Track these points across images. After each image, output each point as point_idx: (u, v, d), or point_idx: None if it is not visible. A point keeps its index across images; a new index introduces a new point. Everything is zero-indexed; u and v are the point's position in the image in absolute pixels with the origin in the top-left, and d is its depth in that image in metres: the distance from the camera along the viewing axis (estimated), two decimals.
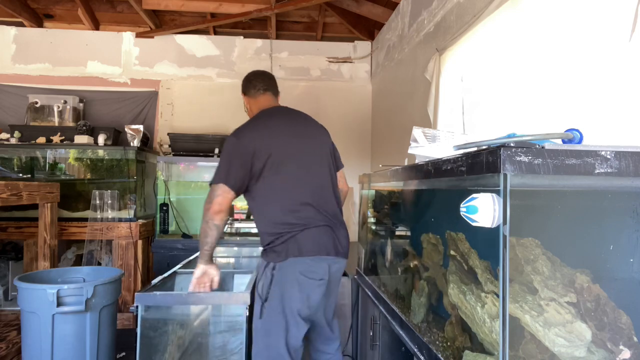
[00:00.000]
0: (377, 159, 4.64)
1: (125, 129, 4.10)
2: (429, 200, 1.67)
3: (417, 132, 1.64)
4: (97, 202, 3.75)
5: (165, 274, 2.31)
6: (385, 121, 4.36)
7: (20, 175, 3.80)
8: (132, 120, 4.68)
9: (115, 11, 4.71)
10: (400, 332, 1.62)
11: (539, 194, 1.12)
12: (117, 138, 4.18)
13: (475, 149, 1.05)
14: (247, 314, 1.97)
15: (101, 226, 3.70)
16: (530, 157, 0.91)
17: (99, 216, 3.73)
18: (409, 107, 3.54)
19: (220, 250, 3.45)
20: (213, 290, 2.02)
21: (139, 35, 4.73)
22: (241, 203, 4.40)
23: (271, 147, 1.95)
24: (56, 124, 4.21)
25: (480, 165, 0.99)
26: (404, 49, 3.69)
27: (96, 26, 4.75)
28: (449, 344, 1.31)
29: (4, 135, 3.95)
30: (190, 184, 4.40)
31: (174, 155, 4.16)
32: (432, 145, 1.62)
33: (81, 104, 4.51)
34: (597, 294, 1.01)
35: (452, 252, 1.29)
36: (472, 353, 1.13)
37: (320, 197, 2.01)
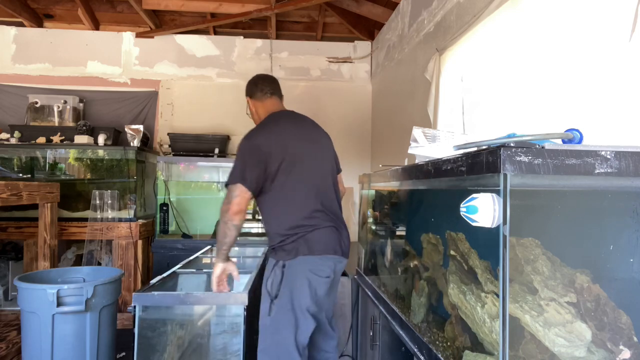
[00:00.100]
0: (377, 159, 4.64)
1: (125, 129, 4.10)
2: (429, 201, 1.67)
3: (417, 132, 1.64)
4: (97, 202, 3.75)
5: (164, 274, 2.31)
6: (385, 121, 4.36)
7: (20, 175, 3.80)
8: (132, 120, 4.68)
9: (115, 11, 4.71)
10: (400, 332, 1.62)
11: (539, 194, 1.12)
12: (117, 138, 4.18)
13: (475, 149, 1.05)
14: (245, 314, 1.97)
15: (101, 226, 3.70)
16: (530, 157, 0.91)
17: (99, 216, 3.73)
18: (409, 107, 3.54)
19: None
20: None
21: (139, 35, 4.73)
22: None
23: (284, 150, 2.01)
24: (56, 124, 4.21)
25: (480, 165, 0.99)
26: (404, 49, 3.69)
27: (96, 26, 4.75)
28: (449, 344, 1.31)
29: (4, 135, 3.95)
30: (190, 184, 4.40)
31: (174, 155, 4.17)
32: (432, 145, 1.62)
33: (81, 104, 4.51)
34: (597, 294, 1.01)
35: (452, 252, 1.29)
36: (472, 353, 1.13)
37: (327, 199, 2.10)
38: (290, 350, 1.88)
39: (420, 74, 3.16)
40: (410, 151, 1.63)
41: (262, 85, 2.25)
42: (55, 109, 4.23)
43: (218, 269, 2.00)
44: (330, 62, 4.95)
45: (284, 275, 1.93)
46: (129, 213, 3.86)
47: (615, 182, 0.99)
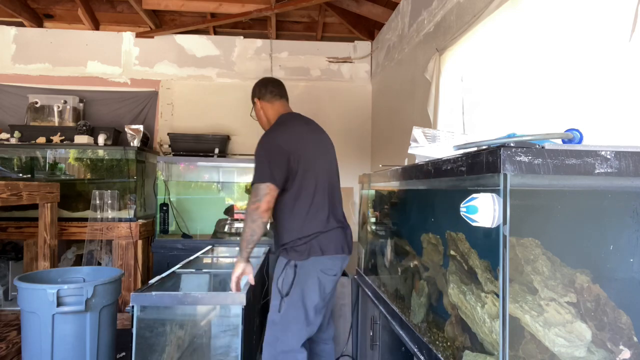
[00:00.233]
0: (377, 159, 4.64)
1: (125, 129, 4.10)
2: (429, 201, 1.67)
3: (417, 132, 1.64)
4: (97, 202, 3.75)
5: (164, 274, 2.31)
6: (385, 121, 4.36)
7: (20, 175, 3.80)
8: (132, 120, 4.67)
9: (115, 11, 4.71)
10: (400, 332, 1.62)
11: (539, 194, 1.12)
12: (117, 138, 4.18)
13: (475, 149, 1.05)
14: (244, 314, 1.97)
15: (101, 226, 3.70)
16: (530, 157, 0.91)
17: (99, 216, 3.73)
18: (409, 107, 3.54)
19: (221, 250, 3.45)
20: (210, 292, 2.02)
21: (139, 35, 4.73)
22: (241, 203, 4.41)
23: (301, 149, 2.08)
24: (56, 124, 4.21)
25: (480, 165, 0.99)
26: (404, 49, 3.69)
27: (96, 26, 4.74)
28: (449, 344, 1.31)
29: (4, 135, 3.95)
30: (190, 184, 4.40)
31: (174, 155, 4.17)
32: (432, 145, 1.62)
33: (81, 104, 4.51)
34: (597, 294, 1.01)
35: (452, 252, 1.29)
36: (472, 353, 1.13)
37: (336, 201, 2.21)
38: (295, 344, 1.98)
39: (420, 74, 3.16)
40: (410, 151, 1.63)
41: (271, 88, 2.31)
42: (55, 109, 4.23)
43: (239, 268, 2.04)
44: (330, 62, 4.95)
45: (296, 275, 2.01)
46: (129, 213, 3.86)
47: (615, 182, 0.99)
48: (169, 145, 4.25)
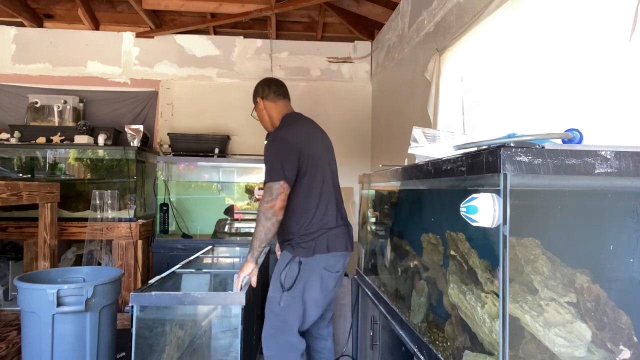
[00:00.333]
0: (377, 159, 4.64)
1: (125, 129, 4.10)
2: (429, 201, 1.67)
3: (417, 132, 1.64)
4: (97, 202, 3.75)
5: (163, 274, 2.31)
6: (385, 121, 4.36)
7: (20, 175, 3.80)
8: (132, 120, 4.67)
9: (115, 11, 4.71)
10: (400, 332, 1.62)
11: (539, 194, 1.12)
12: (117, 138, 4.18)
13: (475, 149, 1.05)
14: (243, 314, 1.97)
15: (101, 226, 3.70)
16: (530, 157, 0.91)
17: (99, 216, 3.73)
18: (409, 107, 3.54)
19: (221, 250, 3.45)
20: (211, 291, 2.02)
21: (139, 35, 4.73)
22: (241, 203, 4.41)
23: (309, 148, 2.13)
24: (56, 124, 4.20)
25: (480, 165, 0.99)
26: (404, 49, 3.69)
27: (96, 26, 4.74)
28: (449, 344, 1.31)
29: (4, 135, 3.95)
30: (190, 184, 4.40)
31: (174, 155, 4.17)
32: (432, 145, 1.62)
33: (81, 104, 4.51)
34: (597, 294, 1.01)
35: (452, 252, 1.29)
36: (472, 353, 1.13)
37: (339, 198, 2.27)
38: (294, 336, 2.04)
39: (420, 74, 3.16)
40: (410, 151, 1.63)
41: (275, 87, 2.33)
42: (55, 109, 4.23)
43: (249, 269, 2.06)
44: (330, 62, 4.95)
45: (300, 271, 2.05)
46: (129, 213, 3.86)
47: (615, 182, 0.99)
48: (169, 145, 4.25)
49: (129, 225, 3.74)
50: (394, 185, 2.03)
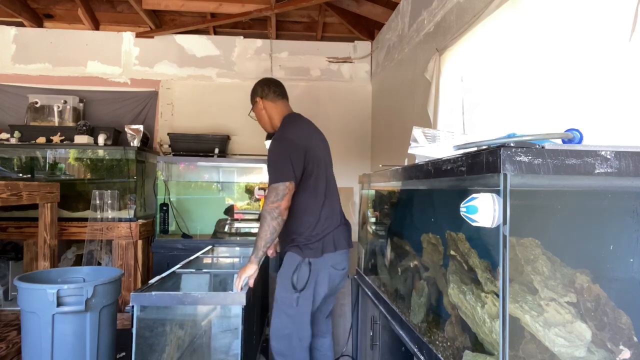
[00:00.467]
0: (377, 159, 4.64)
1: (125, 129, 4.10)
2: (429, 201, 1.67)
3: (417, 132, 1.64)
4: (97, 202, 3.75)
5: (164, 274, 2.31)
6: (385, 121, 4.37)
7: (20, 175, 3.80)
8: (132, 120, 4.67)
9: (115, 11, 4.71)
10: (400, 332, 1.62)
11: (539, 194, 1.12)
12: (117, 138, 4.18)
13: (475, 149, 1.05)
14: (243, 314, 1.97)
15: (101, 226, 3.70)
16: (530, 157, 0.91)
17: (99, 216, 3.73)
18: (409, 107, 3.54)
19: (221, 250, 3.45)
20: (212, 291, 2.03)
21: (139, 35, 4.73)
22: (241, 203, 4.41)
23: (311, 147, 2.15)
24: (56, 124, 4.20)
25: (480, 165, 0.99)
26: (404, 49, 3.69)
27: (96, 26, 4.74)
28: (449, 344, 1.31)
29: (4, 135, 3.95)
30: (190, 184, 4.40)
31: (174, 155, 4.16)
32: (432, 145, 1.62)
33: (81, 104, 4.51)
34: (597, 294, 1.01)
35: (452, 252, 1.29)
36: (472, 353, 1.13)
37: (338, 198, 2.30)
38: (308, 334, 2.11)
39: (420, 74, 3.16)
40: (410, 151, 1.63)
41: (274, 88, 2.34)
42: (55, 109, 4.23)
43: (251, 269, 2.07)
44: (330, 62, 4.95)
45: (311, 272, 2.08)
46: (129, 213, 3.86)
47: (615, 182, 0.99)
48: (169, 145, 4.24)
49: (129, 225, 3.74)
50: (394, 185, 2.03)
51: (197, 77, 4.81)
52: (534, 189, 1.09)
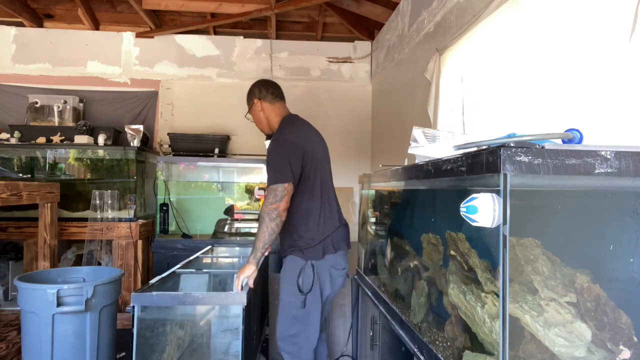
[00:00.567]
0: (377, 159, 4.64)
1: (125, 129, 4.10)
2: (429, 201, 1.67)
3: (417, 132, 1.64)
4: (97, 202, 3.75)
5: (164, 274, 2.31)
6: (385, 121, 4.37)
7: (20, 175, 3.80)
8: (132, 120, 4.67)
9: (115, 11, 4.71)
10: (400, 332, 1.62)
11: (539, 194, 1.12)
12: (117, 138, 4.18)
13: (475, 149, 1.05)
14: (244, 314, 1.97)
15: (101, 226, 3.70)
16: (530, 157, 0.91)
17: (99, 216, 3.73)
18: (409, 107, 3.54)
19: (221, 250, 3.45)
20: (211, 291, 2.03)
21: (139, 35, 4.73)
22: (241, 203, 4.41)
23: (310, 148, 2.15)
24: (56, 124, 4.20)
25: (480, 165, 0.99)
26: (404, 49, 3.69)
27: (96, 26, 4.74)
28: (449, 344, 1.31)
29: (4, 135, 3.95)
30: (190, 184, 4.40)
31: (174, 155, 4.17)
32: (432, 145, 1.62)
33: (81, 104, 4.51)
34: (597, 294, 1.01)
35: (452, 252, 1.29)
36: (472, 353, 1.13)
37: (337, 199, 2.31)
38: (316, 335, 2.14)
39: (420, 74, 3.16)
40: (410, 151, 1.63)
41: (272, 89, 2.33)
42: (55, 109, 4.23)
43: (250, 270, 2.06)
44: (330, 62, 4.95)
45: (315, 274, 2.10)
46: (129, 213, 3.86)
47: (615, 182, 0.99)
48: (169, 145, 4.24)
49: (129, 225, 3.74)
50: (394, 185, 2.03)
51: (197, 77, 4.81)
52: (534, 189, 1.09)
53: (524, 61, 1.94)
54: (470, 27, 2.41)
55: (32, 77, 4.61)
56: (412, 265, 1.74)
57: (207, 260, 2.97)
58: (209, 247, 3.27)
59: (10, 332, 2.82)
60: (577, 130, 1.08)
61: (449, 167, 1.17)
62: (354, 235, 2.47)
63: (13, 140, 3.91)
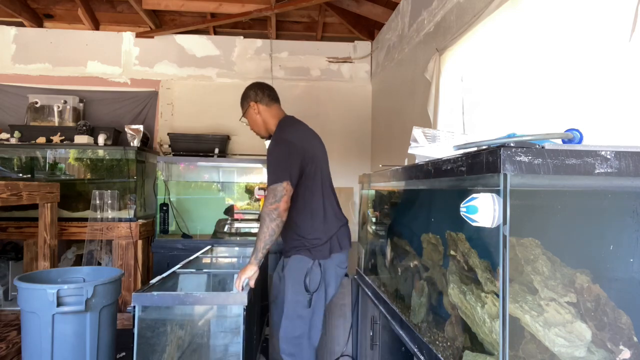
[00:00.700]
0: (377, 159, 4.64)
1: (125, 129, 4.10)
2: (429, 201, 1.67)
3: (417, 132, 1.64)
4: (97, 202, 3.75)
5: (164, 274, 2.31)
6: (385, 121, 4.37)
7: (20, 175, 3.80)
8: (132, 120, 4.67)
9: (115, 11, 4.71)
10: (400, 332, 1.62)
11: (539, 194, 1.12)
12: (117, 138, 4.18)
13: (475, 149, 1.05)
14: (245, 314, 1.97)
15: (101, 226, 3.70)
16: (530, 157, 0.91)
17: (99, 216, 3.73)
18: (409, 107, 3.54)
19: (221, 250, 3.45)
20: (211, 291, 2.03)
21: (139, 35, 4.73)
22: (241, 203, 4.41)
23: (309, 149, 2.18)
24: (56, 124, 4.20)
25: (480, 165, 0.99)
26: (404, 49, 3.69)
27: (96, 26, 4.74)
28: (449, 344, 1.31)
29: (4, 135, 3.95)
30: (190, 184, 4.40)
31: (174, 155, 4.17)
32: (432, 145, 1.62)
33: (81, 104, 4.51)
34: (597, 294, 1.01)
35: (452, 252, 1.29)
36: (472, 353, 1.13)
37: (337, 198, 2.33)
38: (318, 336, 2.17)
39: (420, 74, 3.16)
40: (410, 151, 1.63)
41: (268, 92, 2.34)
42: (55, 109, 4.23)
43: (251, 271, 2.05)
44: (330, 62, 4.95)
45: (322, 273, 2.13)
46: (129, 213, 3.86)
47: (615, 182, 0.99)
48: (169, 145, 4.25)
49: (129, 225, 3.74)
50: (394, 185, 2.03)
51: (197, 77, 4.81)
52: (534, 189, 1.09)
53: (524, 61, 1.94)
54: (470, 27, 2.41)
55: (32, 77, 4.61)
56: (412, 265, 1.74)
57: (207, 260, 2.97)
58: (209, 247, 3.27)
59: (10, 332, 2.82)
60: (577, 130, 1.08)
61: (449, 167, 1.17)
62: (354, 235, 2.47)
63: (13, 140, 3.91)
